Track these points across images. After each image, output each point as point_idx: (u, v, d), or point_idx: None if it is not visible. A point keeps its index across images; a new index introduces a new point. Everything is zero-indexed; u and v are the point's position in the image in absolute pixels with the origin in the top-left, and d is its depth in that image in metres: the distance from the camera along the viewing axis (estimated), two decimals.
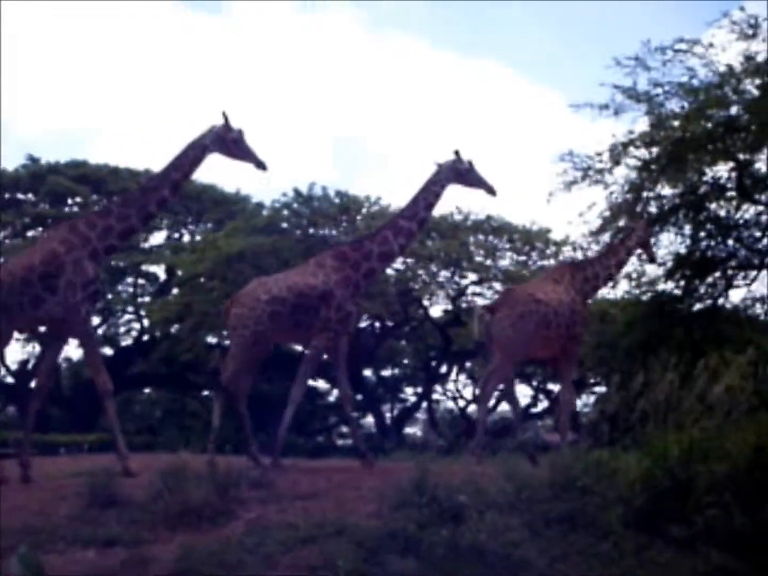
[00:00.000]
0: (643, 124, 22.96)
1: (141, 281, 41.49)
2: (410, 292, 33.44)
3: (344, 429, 37.72)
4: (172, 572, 7.46)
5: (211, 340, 36.02)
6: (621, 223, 23.64)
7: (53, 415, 35.37)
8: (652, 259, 17.11)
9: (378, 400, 40.21)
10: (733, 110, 21.86)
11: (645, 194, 23.98)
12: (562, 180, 23.61)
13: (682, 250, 24.50)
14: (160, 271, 41.33)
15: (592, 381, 32.68)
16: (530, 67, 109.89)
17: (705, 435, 9.61)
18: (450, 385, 42.09)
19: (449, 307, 35.45)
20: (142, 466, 11.20)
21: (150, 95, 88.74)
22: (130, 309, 40.99)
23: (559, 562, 8.00)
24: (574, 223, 27.66)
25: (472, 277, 34.71)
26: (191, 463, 9.82)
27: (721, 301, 25.12)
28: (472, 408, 41.07)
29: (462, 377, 41.64)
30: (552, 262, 34.03)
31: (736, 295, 26.26)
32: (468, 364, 40.12)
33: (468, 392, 41.88)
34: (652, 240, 19.39)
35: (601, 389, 28.85)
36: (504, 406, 31.02)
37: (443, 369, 40.01)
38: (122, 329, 41.97)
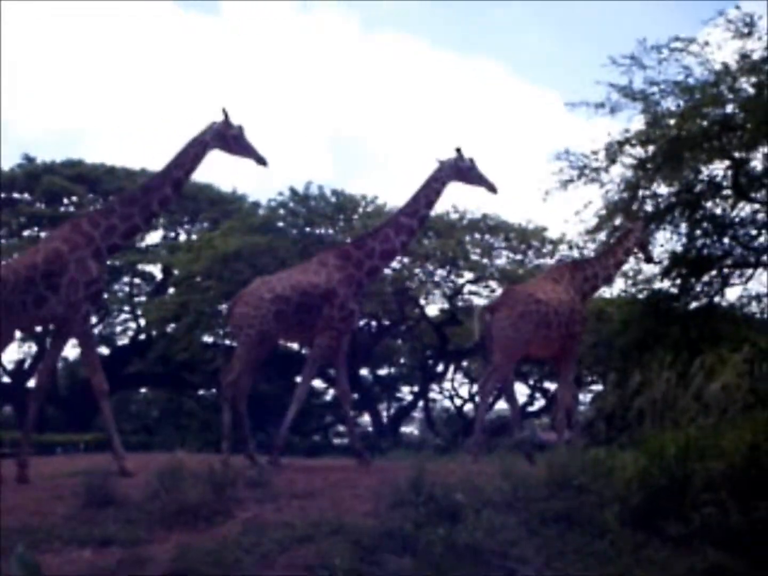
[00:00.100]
0: (638, 123, 23.02)
1: (137, 280, 41.50)
2: (406, 291, 33.44)
3: (341, 428, 37.74)
4: (169, 572, 7.45)
5: (208, 339, 36.02)
6: (617, 221, 23.69)
7: (50, 415, 35.35)
8: (649, 259, 17.17)
9: (374, 399, 40.24)
10: (729, 109, 21.89)
11: (641, 193, 24.02)
12: (558, 178, 23.68)
13: (678, 249, 24.57)
14: (156, 270, 41.38)
15: (588, 379, 32.74)
16: (527, 66, 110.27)
17: (701, 433, 9.60)
18: (446, 384, 42.25)
19: (446, 306, 35.47)
20: (138, 465, 11.20)
21: (146, 95, 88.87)
22: (127, 308, 40.98)
23: (555, 560, 7.99)
24: (570, 221, 27.79)
25: (468, 275, 34.72)
26: (188, 463, 9.81)
27: (717, 299, 25.20)
28: (468, 407, 41.17)
29: (458, 376, 41.80)
30: (548, 260, 34.07)
31: (732, 294, 26.39)
32: (464, 363, 40.19)
33: (464, 391, 42.00)
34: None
35: (597, 387, 28.87)
36: (500, 405, 31.09)
37: (440, 368, 40.07)
38: (118, 329, 42.02)
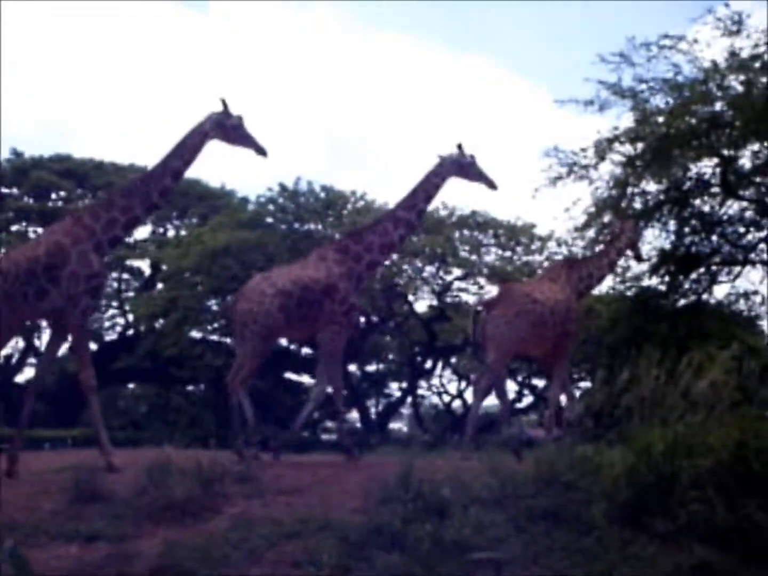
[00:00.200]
0: (627, 120, 23.03)
1: (126, 276, 41.41)
2: (395, 288, 33.45)
3: (329, 424, 37.70)
4: (156, 567, 7.44)
5: (196, 335, 35.97)
6: (606, 218, 23.73)
7: (37, 410, 35.19)
8: (639, 258, 17.23)
9: (363, 395, 40.22)
10: (718, 106, 21.92)
11: (630, 190, 24.05)
12: (548, 175, 23.67)
13: (667, 246, 24.64)
14: (144, 265, 41.31)
15: (576, 376, 32.79)
16: (517, 62, 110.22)
17: (689, 430, 9.62)
18: (435, 380, 42.18)
19: (434, 302, 35.48)
20: (126, 461, 11.16)
21: (136, 91, 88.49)
22: (115, 304, 40.89)
23: (543, 557, 8.01)
24: (559, 218, 27.82)
25: (457, 272, 34.77)
26: (175, 459, 9.80)
27: (705, 296, 25.27)
28: (457, 403, 41.18)
29: (447, 372, 41.71)
30: (537, 257, 34.13)
31: (720, 291, 26.43)
32: (453, 360, 40.18)
33: (453, 387, 42.00)
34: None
35: (586, 384, 28.91)
36: (487, 402, 31.07)
37: (428, 364, 40.04)
38: (107, 324, 41.86)
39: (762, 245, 24.48)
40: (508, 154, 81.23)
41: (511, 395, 37.51)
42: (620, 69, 22.32)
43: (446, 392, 42.28)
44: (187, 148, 12.09)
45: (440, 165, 13.61)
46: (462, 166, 13.68)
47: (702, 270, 24.89)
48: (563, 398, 14.88)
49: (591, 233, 24.70)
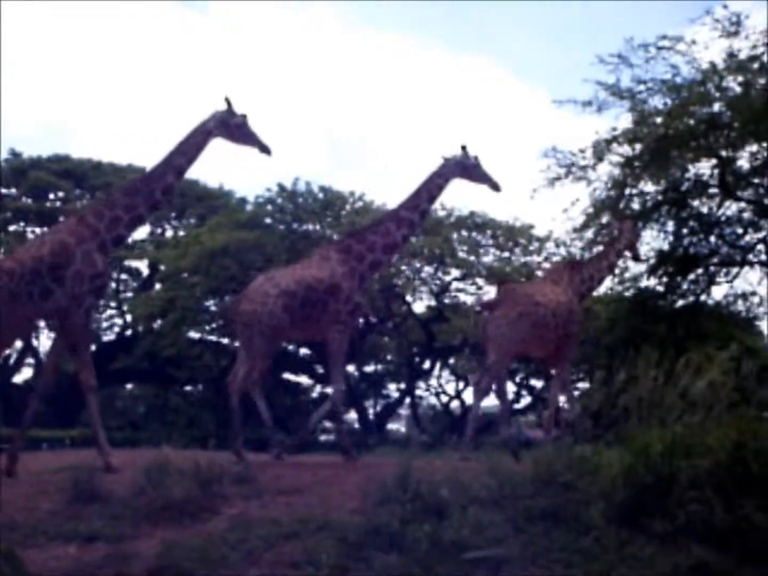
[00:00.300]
0: (626, 121, 23.09)
1: (124, 276, 41.42)
2: (393, 288, 33.48)
3: (327, 424, 37.73)
4: (154, 568, 7.43)
5: (194, 335, 35.97)
6: (604, 219, 23.76)
7: (36, 410, 35.14)
8: (637, 258, 17.27)
9: (361, 395, 40.22)
10: (716, 107, 21.97)
11: (628, 191, 24.10)
12: (546, 176, 23.75)
13: (665, 247, 24.69)
14: (143, 266, 41.33)
15: (575, 377, 32.79)
16: (516, 63, 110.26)
17: (687, 431, 9.61)
18: (433, 381, 42.20)
19: (432, 303, 35.50)
20: (124, 461, 11.16)
21: (135, 91, 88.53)
22: (113, 304, 40.90)
23: (541, 557, 8.00)
24: (558, 219, 27.90)
25: (455, 273, 34.82)
26: (174, 459, 9.79)
27: (703, 297, 25.32)
28: (455, 404, 41.20)
29: (445, 373, 41.76)
30: (535, 258, 34.15)
31: (718, 292, 26.48)
32: (451, 360, 40.19)
33: (451, 388, 42.02)
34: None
35: (584, 385, 28.93)
36: (486, 402, 31.07)
37: (426, 365, 40.07)
38: (105, 324, 41.85)
39: (760, 246, 24.54)
40: (506, 155, 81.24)
41: (510, 396, 37.59)
42: (619, 70, 22.42)
43: (444, 393, 42.35)
44: (191, 146, 12.05)
45: (444, 166, 13.59)
46: (466, 167, 13.67)
47: (700, 271, 24.93)
48: (562, 399, 14.90)
49: (589, 234, 24.75)
